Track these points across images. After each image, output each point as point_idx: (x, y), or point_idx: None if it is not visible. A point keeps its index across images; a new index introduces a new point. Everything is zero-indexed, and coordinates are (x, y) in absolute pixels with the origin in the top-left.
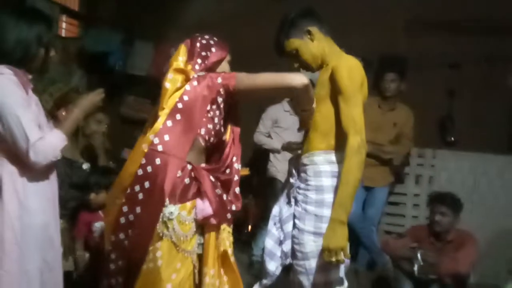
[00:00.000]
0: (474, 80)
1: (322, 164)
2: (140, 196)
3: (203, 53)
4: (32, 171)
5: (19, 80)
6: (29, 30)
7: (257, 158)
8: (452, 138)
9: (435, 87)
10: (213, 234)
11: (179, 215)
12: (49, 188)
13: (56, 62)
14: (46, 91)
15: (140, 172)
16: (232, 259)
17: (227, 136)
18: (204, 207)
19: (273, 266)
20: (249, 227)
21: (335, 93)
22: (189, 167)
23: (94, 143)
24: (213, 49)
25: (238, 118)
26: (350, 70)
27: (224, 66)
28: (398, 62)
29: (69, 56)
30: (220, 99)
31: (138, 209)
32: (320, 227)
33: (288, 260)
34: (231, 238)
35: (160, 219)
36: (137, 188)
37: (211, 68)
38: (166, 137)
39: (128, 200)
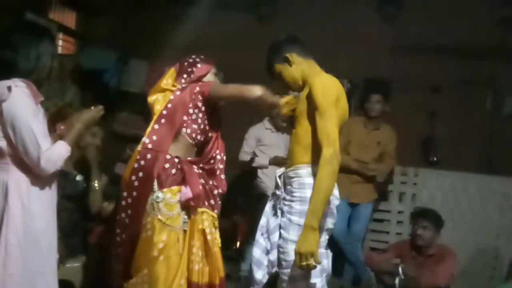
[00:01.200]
0: (455, 102)
1: (306, 177)
2: (136, 183)
3: (189, 69)
4: (35, 179)
5: (31, 93)
6: (38, 42)
7: (244, 175)
8: (434, 158)
9: (418, 109)
10: (196, 214)
11: (165, 199)
12: (50, 195)
13: (52, 78)
14: (41, 106)
15: (136, 165)
16: (209, 237)
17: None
18: (187, 191)
19: (260, 275)
20: (238, 243)
21: (312, 109)
22: (176, 160)
23: (88, 155)
24: (198, 65)
25: (220, 119)
26: (325, 87)
27: (210, 77)
28: (382, 84)
29: (65, 73)
30: (200, 104)
31: (134, 193)
32: None
33: (275, 269)
34: (216, 222)
35: (149, 201)
36: (133, 177)
37: (198, 81)
38: (154, 137)
39: (127, 188)
